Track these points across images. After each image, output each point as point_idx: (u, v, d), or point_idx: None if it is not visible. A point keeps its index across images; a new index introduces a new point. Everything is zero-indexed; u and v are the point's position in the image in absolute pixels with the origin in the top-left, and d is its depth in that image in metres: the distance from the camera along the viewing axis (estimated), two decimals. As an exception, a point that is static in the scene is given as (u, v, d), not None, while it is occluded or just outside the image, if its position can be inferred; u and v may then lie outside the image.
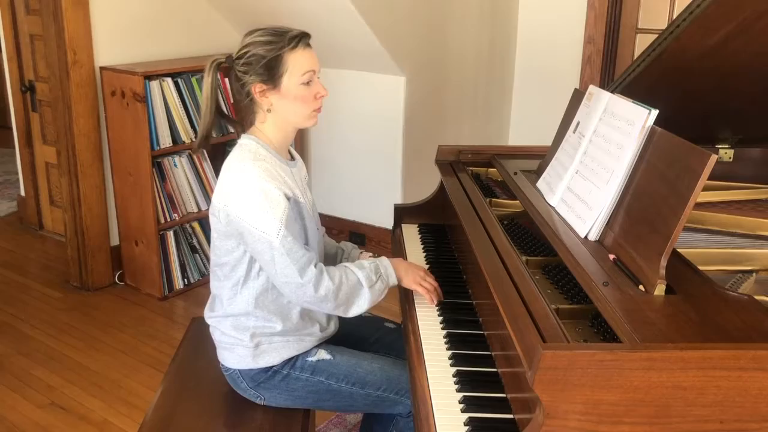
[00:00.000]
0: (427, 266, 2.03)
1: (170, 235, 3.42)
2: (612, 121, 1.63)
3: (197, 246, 3.57)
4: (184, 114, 3.35)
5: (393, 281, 1.77)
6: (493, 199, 2.08)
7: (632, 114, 1.54)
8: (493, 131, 4.44)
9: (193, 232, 3.56)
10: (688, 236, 1.71)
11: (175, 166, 3.39)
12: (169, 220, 3.39)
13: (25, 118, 4.09)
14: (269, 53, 1.65)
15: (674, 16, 2.29)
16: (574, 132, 1.82)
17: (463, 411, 1.36)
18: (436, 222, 2.32)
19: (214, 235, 1.75)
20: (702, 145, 1.32)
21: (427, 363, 1.53)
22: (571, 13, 4.12)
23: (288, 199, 1.65)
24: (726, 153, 2.09)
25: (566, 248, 1.50)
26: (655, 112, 1.48)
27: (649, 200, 1.41)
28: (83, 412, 2.56)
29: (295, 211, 1.67)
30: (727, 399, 1.08)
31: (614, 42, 4.10)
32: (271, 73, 1.66)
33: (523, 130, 4.49)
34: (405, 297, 1.84)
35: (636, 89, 1.82)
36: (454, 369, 1.50)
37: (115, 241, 3.56)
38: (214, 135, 3.47)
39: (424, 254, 2.12)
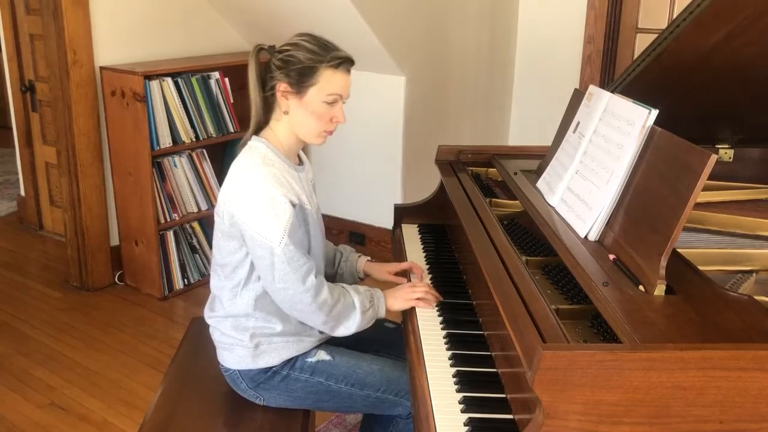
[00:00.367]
0: (427, 266, 2.03)
1: (170, 235, 3.42)
2: (612, 121, 1.63)
3: (197, 246, 3.57)
4: (184, 114, 3.35)
5: (382, 313, 1.78)
6: (493, 199, 2.08)
7: (632, 114, 1.54)
8: (493, 131, 4.44)
9: (193, 232, 3.56)
10: (688, 236, 1.70)
11: (175, 166, 3.39)
12: (169, 220, 3.39)
13: (25, 118, 4.09)
14: (308, 61, 1.65)
15: (674, 16, 2.29)
16: (574, 132, 1.82)
17: (463, 411, 1.36)
18: (436, 222, 2.32)
19: (217, 234, 1.75)
20: (702, 145, 1.32)
21: (427, 363, 1.53)
22: (571, 13, 4.12)
23: (294, 206, 1.65)
24: (726, 153, 2.09)
25: (566, 248, 1.50)
26: (655, 112, 1.48)
27: (649, 200, 1.41)
28: (83, 412, 2.56)
29: (300, 217, 1.67)
30: (727, 399, 1.08)
31: (614, 42, 4.10)
32: (302, 79, 1.66)
33: (523, 130, 4.49)
34: (405, 297, 1.84)
35: (636, 89, 1.82)
36: (454, 369, 1.50)
37: (115, 241, 3.56)
38: (213, 135, 3.49)
39: (424, 254, 2.12)
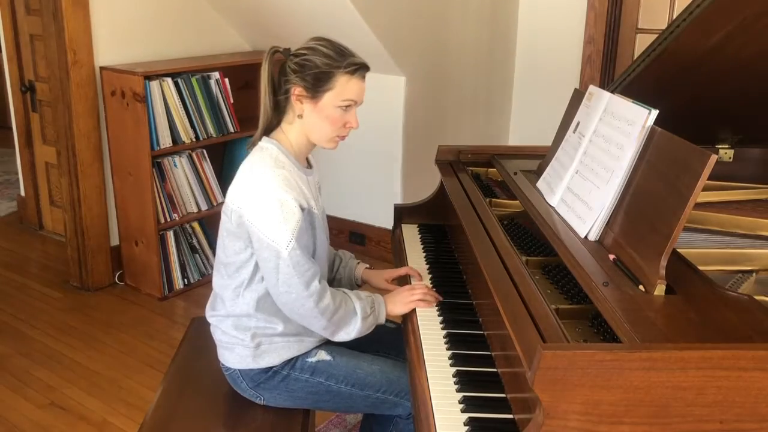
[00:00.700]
0: (427, 266, 2.03)
1: (170, 235, 3.42)
2: (612, 121, 1.63)
3: (197, 246, 3.57)
4: (184, 114, 3.35)
5: (382, 319, 1.78)
6: (493, 199, 2.08)
7: (632, 114, 1.54)
8: (493, 131, 4.44)
9: (193, 232, 3.56)
10: (688, 236, 1.70)
11: (175, 166, 3.39)
12: (169, 220, 3.39)
13: (25, 118, 4.09)
14: (325, 66, 1.65)
15: (674, 16, 2.29)
16: (574, 132, 1.82)
17: (463, 411, 1.36)
18: (436, 222, 2.32)
19: (222, 233, 1.75)
20: (702, 145, 1.32)
21: (427, 363, 1.53)
22: (571, 13, 4.12)
23: (302, 210, 1.65)
24: (726, 153, 2.09)
25: (566, 248, 1.50)
26: (655, 112, 1.48)
27: (649, 200, 1.41)
28: (83, 412, 2.56)
29: (307, 221, 1.67)
30: (727, 399, 1.08)
31: (614, 42, 4.09)
32: (317, 84, 1.66)
33: (523, 130, 4.49)
34: (405, 297, 1.84)
35: (636, 89, 1.82)
36: (454, 369, 1.50)
37: (115, 241, 3.56)
38: (213, 135, 3.49)
39: (424, 254, 2.12)
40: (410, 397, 1.57)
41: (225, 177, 3.77)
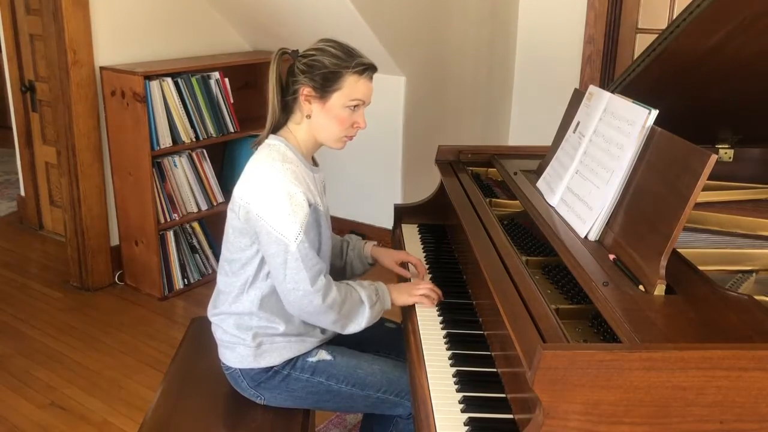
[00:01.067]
0: (427, 266, 2.03)
1: (170, 235, 3.42)
2: (612, 121, 1.63)
3: (197, 246, 3.57)
4: (184, 114, 3.35)
5: (388, 305, 1.78)
6: (493, 199, 2.08)
7: (632, 114, 1.54)
8: (493, 131, 4.44)
9: (193, 232, 3.55)
10: (688, 236, 1.70)
11: (175, 166, 3.39)
12: (169, 220, 3.39)
13: (25, 118, 4.09)
14: (333, 66, 1.66)
15: (674, 16, 2.29)
16: (574, 132, 1.82)
17: (463, 411, 1.36)
18: (436, 222, 2.32)
19: (228, 230, 1.75)
20: (702, 145, 1.32)
21: (427, 363, 1.53)
22: (571, 13, 4.12)
23: (309, 205, 1.65)
24: (726, 153, 2.09)
25: (566, 248, 1.50)
26: (655, 112, 1.48)
27: (649, 200, 1.41)
28: (83, 412, 2.56)
29: (313, 218, 1.67)
30: (727, 399, 1.08)
31: (614, 42, 4.10)
32: (326, 84, 1.67)
33: (523, 130, 4.49)
34: (405, 297, 1.84)
35: (636, 89, 1.82)
36: (454, 369, 1.50)
37: (115, 241, 3.56)
38: (213, 135, 3.49)
39: (424, 254, 2.12)
40: (410, 397, 1.57)
41: (225, 177, 3.77)
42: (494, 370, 1.48)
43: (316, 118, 1.71)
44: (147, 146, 3.21)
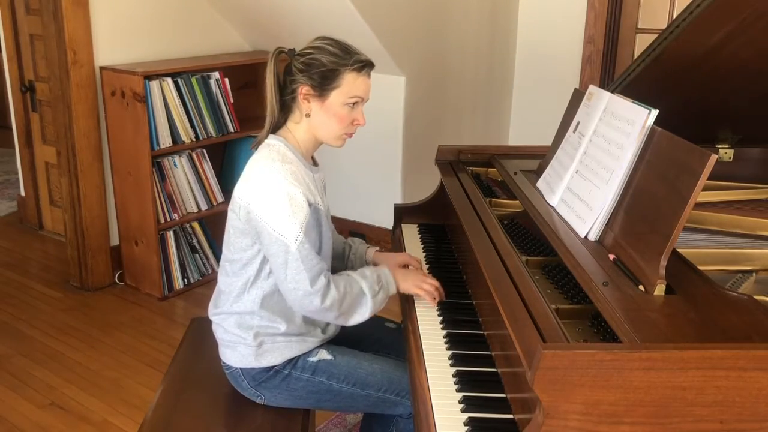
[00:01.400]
0: (427, 266, 2.03)
1: (170, 235, 3.42)
2: (612, 121, 1.63)
3: (197, 246, 3.57)
4: (184, 114, 3.35)
5: (393, 290, 1.78)
6: (493, 199, 2.08)
7: (632, 114, 1.54)
8: (493, 131, 4.44)
9: (193, 232, 3.55)
10: (688, 236, 1.70)
11: (175, 166, 3.39)
12: (169, 220, 3.39)
13: (25, 118, 4.09)
14: (331, 64, 1.66)
15: (674, 16, 2.29)
16: (574, 132, 1.82)
17: (463, 411, 1.36)
18: (436, 222, 2.32)
19: (229, 230, 1.75)
20: (702, 145, 1.32)
21: (427, 363, 1.53)
22: (571, 13, 4.12)
23: (310, 205, 1.65)
24: (726, 153, 2.09)
25: (566, 248, 1.50)
26: (655, 112, 1.48)
27: (649, 200, 1.41)
28: (83, 412, 2.56)
29: (314, 218, 1.68)
30: (727, 399, 1.08)
31: (614, 42, 4.09)
32: (325, 83, 1.67)
33: (523, 130, 4.49)
34: (405, 297, 1.84)
35: (636, 89, 1.82)
36: (454, 369, 1.50)
37: (115, 241, 3.56)
38: (213, 135, 3.49)
39: (424, 254, 2.12)
40: (411, 397, 1.57)
41: (225, 177, 3.77)
42: (494, 370, 1.48)
43: (315, 117, 1.71)
44: (147, 146, 3.21)
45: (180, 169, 3.41)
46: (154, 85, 3.22)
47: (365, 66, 1.70)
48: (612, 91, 1.71)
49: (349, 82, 1.67)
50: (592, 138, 1.69)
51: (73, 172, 3.37)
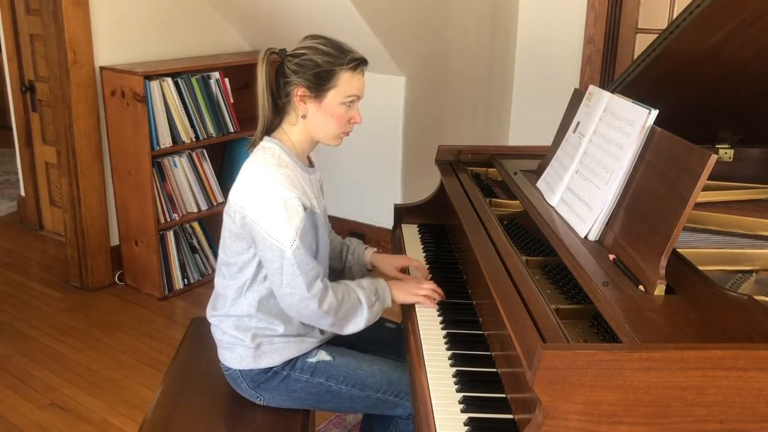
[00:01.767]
0: (427, 266, 2.02)
1: (170, 235, 3.42)
2: (612, 121, 1.63)
3: (197, 246, 3.57)
4: (184, 114, 3.35)
5: (388, 303, 1.77)
6: (493, 199, 2.08)
7: (632, 114, 1.54)
8: (493, 131, 4.44)
9: (193, 232, 3.55)
10: (688, 236, 1.70)
11: (175, 166, 3.39)
12: (169, 220, 3.39)
13: (25, 118, 4.09)
14: (326, 64, 1.64)
15: (674, 16, 2.29)
16: (574, 132, 1.82)
17: (463, 411, 1.36)
18: (436, 222, 2.32)
19: (225, 234, 1.74)
20: (702, 145, 1.32)
21: (427, 363, 1.53)
22: (571, 14, 4.12)
23: (305, 209, 1.64)
24: (726, 153, 2.09)
25: (566, 248, 1.50)
26: (655, 112, 1.48)
27: (649, 200, 1.41)
28: (83, 412, 2.56)
29: (310, 221, 1.67)
30: (727, 399, 1.08)
31: (614, 42, 4.10)
32: (320, 83, 1.65)
33: (523, 130, 4.49)
34: (405, 297, 1.84)
35: (636, 89, 1.82)
36: (454, 369, 1.50)
37: (115, 241, 3.56)
38: (213, 135, 3.49)
39: (424, 254, 2.12)
40: (410, 398, 1.57)
41: (225, 177, 3.77)
42: (494, 370, 1.48)
43: (312, 118, 1.70)
44: (147, 146, 3.21)
45: (180, 169, 3.41)
46: (154, 85, 3.22)
47: (360, 64, 1.69)
48: (612, 91, 1.71)
49: (345, 82, 1.66)
50: (592, 138, 1.69)
51: (73, 172, 3.37)
